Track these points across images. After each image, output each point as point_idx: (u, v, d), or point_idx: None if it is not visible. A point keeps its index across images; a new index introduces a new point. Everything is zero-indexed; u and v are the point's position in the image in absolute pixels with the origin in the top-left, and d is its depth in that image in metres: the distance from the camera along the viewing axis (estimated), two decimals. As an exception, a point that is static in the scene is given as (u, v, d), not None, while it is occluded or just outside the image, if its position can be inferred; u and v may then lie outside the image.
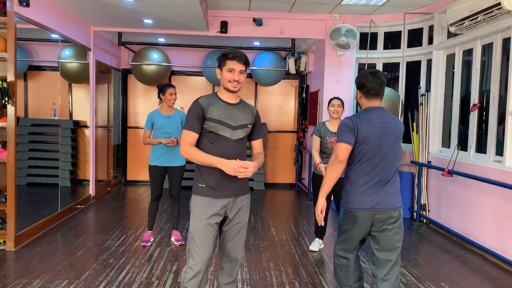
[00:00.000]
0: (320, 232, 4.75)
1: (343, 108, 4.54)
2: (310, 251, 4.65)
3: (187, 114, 2.58)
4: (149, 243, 4.69)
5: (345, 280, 2.85)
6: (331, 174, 2.66)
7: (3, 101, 4.35)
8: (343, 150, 2.61)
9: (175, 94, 4.64)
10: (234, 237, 2.68)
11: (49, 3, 5.32)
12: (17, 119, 4.51)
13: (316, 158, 4.42)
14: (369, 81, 2.67)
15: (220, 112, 2.55)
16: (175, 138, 4.53)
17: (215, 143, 2.55)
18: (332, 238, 5.10)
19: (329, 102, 4.57)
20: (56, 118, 5.84)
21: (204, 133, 2.57)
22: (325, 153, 4.46)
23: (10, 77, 4.40)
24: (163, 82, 8.34)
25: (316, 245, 4.71)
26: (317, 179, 4.50)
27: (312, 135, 4.57)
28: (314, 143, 4.49)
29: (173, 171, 4.70)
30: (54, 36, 5.55)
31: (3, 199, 4.55)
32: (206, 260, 2.56)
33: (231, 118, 2.58)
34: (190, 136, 2.54)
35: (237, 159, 2.46)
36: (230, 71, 2.52)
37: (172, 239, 4.82)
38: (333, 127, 4.47)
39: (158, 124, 4.60)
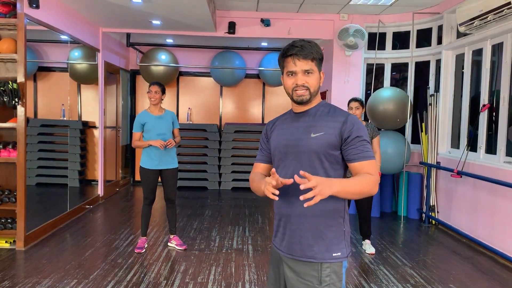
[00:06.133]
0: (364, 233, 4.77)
1: (363, 107, 4.67)
2: (370, 254, 4.61)
3: None
4: (144, 250, 4.51)
5: None
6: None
7: (13, 102, 4.39)
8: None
9: (156, 92, 4.41)
10: None
11: (58, 5, 5.37)
12: (27, 120, 4.55)
13: None
14: None
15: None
16: (172, 140, 4.43)
17: None
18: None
19: (348, 104, 4.67)
20: (65, 118, 5.89)
21: None
22: None
23: (20, 78, 4.44)
24: (170, 83, 8.43)
25: (367, 246, 4.69)
26: None
27: None
28: None
29: (168, 174, 4.51)
30: (63, 37, 5.60)
31: (13, 199, 4.60)
32: None
33: None
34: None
35: None
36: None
37: (173, 244, 4.65)
38: None
39: (150, 125, 4.40)
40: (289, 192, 1.78)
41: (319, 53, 1.80)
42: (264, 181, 1.68)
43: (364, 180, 1.69)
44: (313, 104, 1.86)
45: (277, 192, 1.62)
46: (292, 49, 1.77)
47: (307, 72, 1.77)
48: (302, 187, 1.52)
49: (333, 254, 1.77)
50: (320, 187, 1.52)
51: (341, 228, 1.81)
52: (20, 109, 4.46)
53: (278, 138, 1.89)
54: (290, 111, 1.95)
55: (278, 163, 1.89)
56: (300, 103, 1.82)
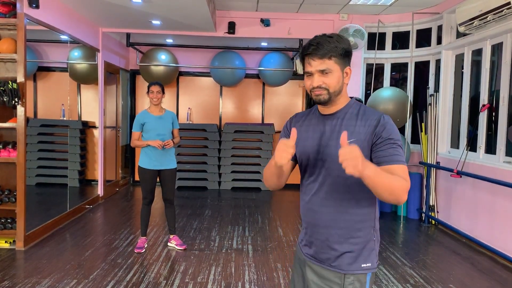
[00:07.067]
0: None
1: None
2: None
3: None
4: (144, 250, 4.50)
5: None
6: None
7: (13, 102, 4.40)
8: None
9: (158, 92, 4.40)
10: None
11: (58, 5, 5.37)
12: (27, 120, 4.55)
13: None
14: None
15: None
16: (171, 140, 4.42)
17: None
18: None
19: None
20: (65, 118, 5.89)
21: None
22: None
23: (20, 78, 4.44)
24: (170, 83, 8.43)
25: None
26: None
27: None
28: None
29: (167, 175, 4.50)
30: (63, 37, 5.60)
31: (13, 199, 4.60)
32: None
33: None
34: None
35: None
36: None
37: (172, 244, 4.64)
38: None
39: (151, 125, 4.39)
40: (317, 201, 1.72)
41: (341, 48, 1.63)
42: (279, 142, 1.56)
43: (397, 180, 1.52)
44: (341, 105, 1.71)
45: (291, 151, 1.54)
46: (308, 48, 1.66)
47: (323, 72, 1.63)
48: (342, 143, 1.45)
49: (362, 265, 1.69)
50: (355, 160, 1.39)
51: (371, 238, 1.72)
52: (20, 109, 4.46)
53: (303, 142, 1.75)
54: (315, 110, 1.80)
55: (305, 168, 1.79)
56: (319, 103, 1.69)
